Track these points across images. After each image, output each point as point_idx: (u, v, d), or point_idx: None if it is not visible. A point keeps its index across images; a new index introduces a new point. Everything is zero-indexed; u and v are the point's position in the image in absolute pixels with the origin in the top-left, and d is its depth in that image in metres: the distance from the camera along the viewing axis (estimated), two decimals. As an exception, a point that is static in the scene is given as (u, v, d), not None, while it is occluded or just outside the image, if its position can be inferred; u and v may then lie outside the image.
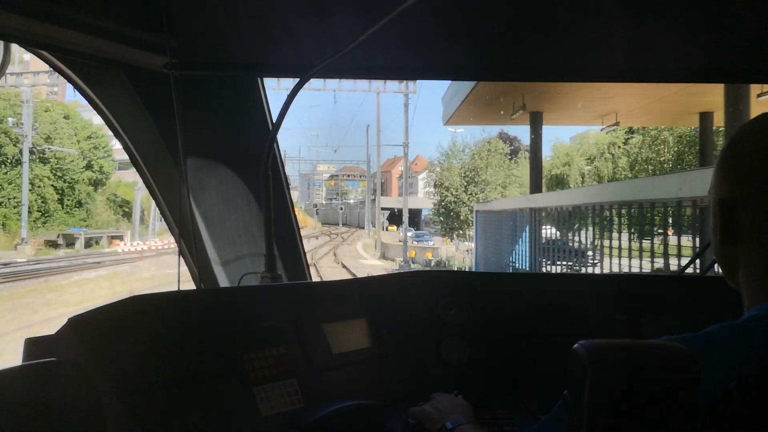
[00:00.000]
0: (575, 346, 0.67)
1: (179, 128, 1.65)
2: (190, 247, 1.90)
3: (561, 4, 1.46)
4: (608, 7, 1.46)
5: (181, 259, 1.84)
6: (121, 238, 35.29)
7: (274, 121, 1.71)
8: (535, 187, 12.98)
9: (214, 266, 2.00)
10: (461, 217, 30.55)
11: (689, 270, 2.36)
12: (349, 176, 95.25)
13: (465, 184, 30.92)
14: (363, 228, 51.93)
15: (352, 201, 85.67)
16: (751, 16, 1.47)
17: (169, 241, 32.80)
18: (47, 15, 1.36)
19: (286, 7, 1.52)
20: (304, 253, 2.22)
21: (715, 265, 0.96)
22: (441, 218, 31.88)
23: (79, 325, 1.18)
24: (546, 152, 31.61)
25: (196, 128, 1.81)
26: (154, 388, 1.20)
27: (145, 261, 21.61)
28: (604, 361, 0.65)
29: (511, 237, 11.70)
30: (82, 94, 1.77)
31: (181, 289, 1.63)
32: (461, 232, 30.59)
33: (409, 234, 31.73)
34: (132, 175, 37.34)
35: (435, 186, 32.54)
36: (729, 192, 0.81)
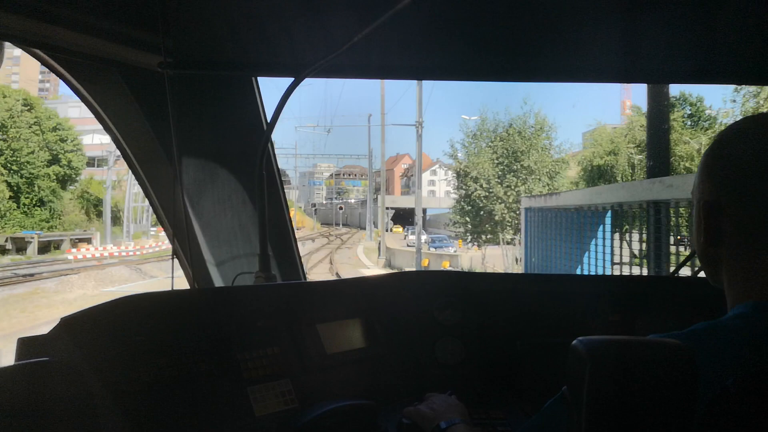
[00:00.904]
0: (574, 342, 0.70)
1: (173, 127, 1.69)
2: (184, 247, 1.96)
3: (555, 5, 1.51)
4: (603, 8, 1.51)
5: (175, 259, 1.91)
6: (88, 241, 30.52)
7: (269, 120, 1.79)
8: (658, 168, 7.94)
9: (209, 266, 2.03)
10: (496, 217, 23.44)
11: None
12: (349, 175, 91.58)
13: (500, 173, 23.64)
14: (364, 229, 48.66)
15: (352, 200, 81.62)
16: (744, 17, 1.52)
17: (136, 246, 27.98)
18: (41, 13, 1.40)
19: (281, 6, 1.56)
20: (299, 253, 2.25)
21: None
22: (467, 218, 24.56)
23: (71, 324, 1.22)
24: (578, 139, 24.92)
25: (190, 128, 1.86)
26: (147, 389, 1.26)
27: (83, 274, 16.82)
28: (603, 357, 0.67)
29: (591, 243, 9.08)
30: (76, 93, 1.83)
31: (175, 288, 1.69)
32: (492, 236, 24.11)
33: (423, 238, 25.39)
34: (104, 173, 35.12)
35: (458, 177, 25.05)
36: (712, 194, 0.86)
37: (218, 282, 2.03)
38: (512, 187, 23.14)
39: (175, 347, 1.32)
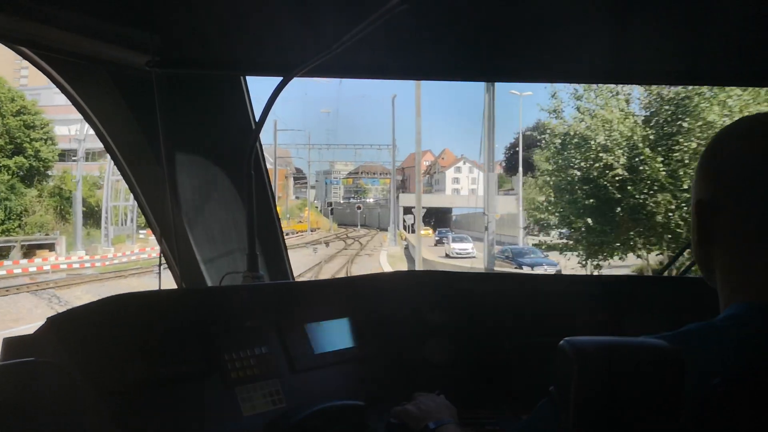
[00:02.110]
0: (561, 342, 0.72)
1: (161, 127, 1.73)
2: (172, 247, 1.99)
3: (544, 6, 1.50)
4: (590, 9, 1.50)
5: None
6: (50, 247, 24.79)
7: (257, 120, 1.80)
8: None
9: (196, 265, 2.06)
10: (658, 217, 11.50)
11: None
12: (368, 173, 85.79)
13: (649, 140, 11.78)
14: (384, 230, 44.81)
15: (371, 200, 76.16)
16: (733, 19, 1.50)
17: (94, 257, 21.92)
18: (28, 12, 1.42)
19: (271, 6, 1.58)
20: (287, 253, 2.26)
21: (694, 266, 1.04)
22: (588, 219, 12.72)
23: (58, 324, 1.26)
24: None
25: (179, 127, 1.89)
26: (134, 389, 1.31)
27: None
28: (591, 358, 0.69)
29: None
30: (63, 93, 1.85)
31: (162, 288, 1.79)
32: (635, 247, 12.53)
33: (497, 249, 16.89)
34: (86, 167, 29.97)
35: (562, 146, 13.12)
36: (707, 192, 0.87)
37: (206, 282, 2.08)
38: (674, 161, 11.22)
39: (163, 347, 1.36)
